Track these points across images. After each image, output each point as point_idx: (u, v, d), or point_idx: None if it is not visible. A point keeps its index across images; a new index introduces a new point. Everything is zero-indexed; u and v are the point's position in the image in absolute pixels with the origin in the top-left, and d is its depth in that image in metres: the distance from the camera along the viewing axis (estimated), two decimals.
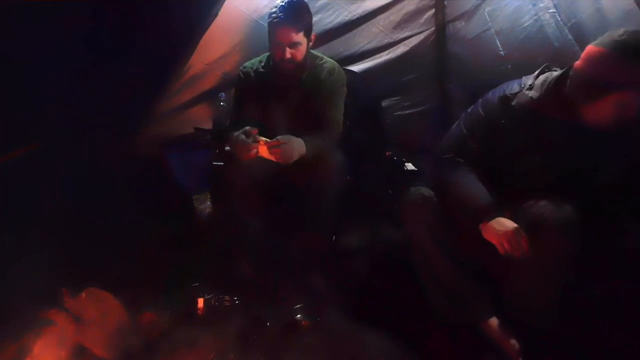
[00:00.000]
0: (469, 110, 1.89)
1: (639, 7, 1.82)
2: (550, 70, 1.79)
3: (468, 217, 1.75)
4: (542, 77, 1.77)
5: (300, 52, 2.20)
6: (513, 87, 1.80)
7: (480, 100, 1.87)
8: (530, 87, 1.76)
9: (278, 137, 2.05)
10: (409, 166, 2.82)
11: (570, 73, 1.66)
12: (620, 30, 1.54)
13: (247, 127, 2.07)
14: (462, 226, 1.81)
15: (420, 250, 1.88)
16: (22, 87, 2.48)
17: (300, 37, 2.17)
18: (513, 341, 1.77)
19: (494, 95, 1.83)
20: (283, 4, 2.16)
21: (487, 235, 1.71)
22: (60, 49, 2.39)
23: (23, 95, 2.50)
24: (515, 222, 1.69)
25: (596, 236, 1.73)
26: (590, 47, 1.59)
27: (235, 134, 2.08)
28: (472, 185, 1.78)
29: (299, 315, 2.01)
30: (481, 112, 1.84)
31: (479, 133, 1.82)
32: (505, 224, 1.67)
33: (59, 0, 2.32)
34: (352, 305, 2.04)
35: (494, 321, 1.83)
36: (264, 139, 2.05)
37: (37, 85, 2.49)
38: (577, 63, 1.62)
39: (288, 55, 2.17)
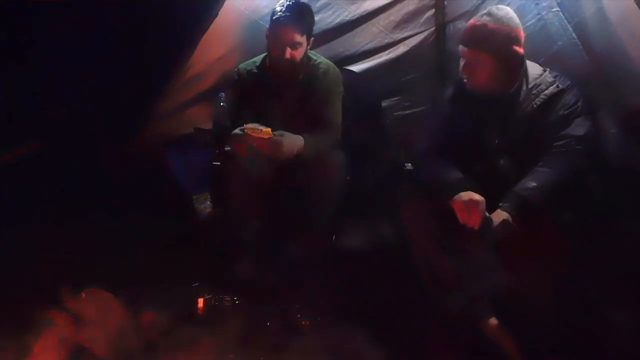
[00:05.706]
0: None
1: (639, 7, 1.81)
2: None
3: (445, 196, 1.80)
4: None
5: (299, 53, 2.20)
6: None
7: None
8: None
9: (273, 132, 2.04)
10: (409, 166, 2.82)
11: None
12: None
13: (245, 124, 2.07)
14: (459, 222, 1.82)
15: (420, 250, 1.89)
16: (22, 87, 2.48)
17: (302, 39, 2.18)
18: (513, 341, 1.77)
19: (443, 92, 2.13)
20: (290, 3, 2.17)
21: (454, 207, 1.76)
22: (60, 49, 2.39)
23: (23, 95, 2.50)
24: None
25: (596, 236, 1.73)
26: None
27: (234, 131, 2.08)
28: (443, 168, 1.88)
29: (299, 315, 2.01)
30: (436, 108, 2.10)
31: (440, 126, 2.02)
32: (467, 195, 1.73)
33: (59, 0, 2.32)
34: (352, 305, 2.04)
35: (493, 321, 1.83)
36: (251, 126, 2.03)
37: (38, 85, 2.50)
38: None
39: (287, 55, 2.17)
